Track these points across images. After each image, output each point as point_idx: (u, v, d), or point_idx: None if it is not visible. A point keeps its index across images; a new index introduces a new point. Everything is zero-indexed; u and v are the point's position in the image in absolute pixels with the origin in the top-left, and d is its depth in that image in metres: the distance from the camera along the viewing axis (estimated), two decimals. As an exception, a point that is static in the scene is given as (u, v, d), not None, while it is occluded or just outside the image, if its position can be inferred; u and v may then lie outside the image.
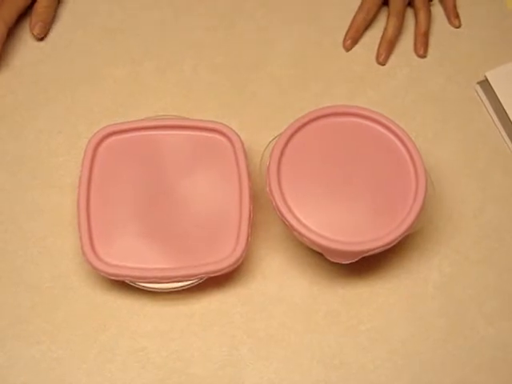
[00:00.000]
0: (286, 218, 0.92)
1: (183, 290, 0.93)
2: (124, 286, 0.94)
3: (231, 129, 0.98)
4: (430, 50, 1.11)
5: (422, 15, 1.11)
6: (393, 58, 1.11)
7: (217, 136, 0.99)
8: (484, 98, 1.07)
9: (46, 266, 0.96)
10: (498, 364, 0.93)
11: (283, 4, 1.02)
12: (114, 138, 0.98)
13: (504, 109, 1.04)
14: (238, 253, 0.92)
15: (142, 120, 0.99)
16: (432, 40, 1.12)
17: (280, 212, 0.92)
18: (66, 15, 1.12)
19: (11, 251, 0.97)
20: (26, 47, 1.10)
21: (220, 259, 0.92)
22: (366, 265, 0.95)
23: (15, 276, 0.96)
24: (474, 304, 0.96)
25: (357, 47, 1.11)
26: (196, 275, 0.92)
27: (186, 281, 0.92)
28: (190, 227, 0.94)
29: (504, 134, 1.05)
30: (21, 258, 0.97)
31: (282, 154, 0.95)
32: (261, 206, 0.98)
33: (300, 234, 0.91)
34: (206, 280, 0.93)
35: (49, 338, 0.93)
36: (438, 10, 1.14)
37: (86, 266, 0.94)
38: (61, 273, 0.96)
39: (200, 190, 0.96)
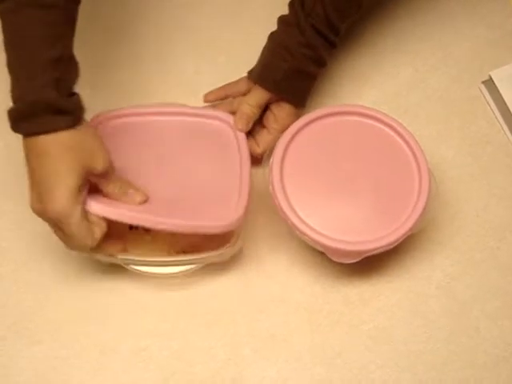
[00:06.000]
0: (288, 217, 0.92)
1: (185, 288, 0.94)
2: (127, 285, 0.95)
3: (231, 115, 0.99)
4: (435, 50, 1.11)
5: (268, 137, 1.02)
6: (397, 56, 1.10)
7: (218, 122, 0.99)
8: (488, 97, 1.07)
9: (48, 264, 0.97)
10: (500, 363, 0.93)
11: (286, 4, 1.02)
12: (115, 121, 0.98)
13: (508, 108, 1.04)
14: (236, 215, 0.91)
15: (146, 106, 1.00)
16: (437, 38, 1.12)
17: (282, 211, 0.92)
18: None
19: (14, 250, 0.98)
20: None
21: (219, 220, 0.91)
22: (369, 264, 0.95)
23: (17, 275, 0.97)
24: (477, 304, 0.95)
25: (361, 47, 1.11)
26: (191, 227, 0.90)
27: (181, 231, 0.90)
28: (190, 195, 0.94)
29: (508, 133, 1.05)
30: (23, 256, 0.97)
31: (284, 153, 0.95)
32: (263, 206, 0.98)
33: (302, 233, 0.91)
34: (208, 280, 0.93)
35: (51, 338, 0.93)
36: (443, 10, 1.14)
37: (89, 266, 0.95)
38: (64, 272, 0.96)
39: (201, 165, 0.96)
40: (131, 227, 0.96)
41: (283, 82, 0.98)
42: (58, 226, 0.85)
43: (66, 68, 0.85)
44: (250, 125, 0.99)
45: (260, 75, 0.99)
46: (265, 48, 1.01)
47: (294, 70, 0.98)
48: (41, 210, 0.84)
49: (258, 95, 0.99)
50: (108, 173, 0.87)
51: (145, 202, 0.90)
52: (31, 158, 0.84)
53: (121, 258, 0.92)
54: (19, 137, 0.84)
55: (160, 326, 0.94)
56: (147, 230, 0.96)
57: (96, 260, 0.94)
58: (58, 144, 0.83)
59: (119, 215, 0.87)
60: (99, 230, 0.86)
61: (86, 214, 0.85)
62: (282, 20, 1.00)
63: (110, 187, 0.88)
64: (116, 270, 0.96)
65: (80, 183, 0.83)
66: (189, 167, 0.96)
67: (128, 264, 0.93)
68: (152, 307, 0.95)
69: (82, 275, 0.96)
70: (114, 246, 0.91)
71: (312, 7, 0.96)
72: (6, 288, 0.96)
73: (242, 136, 0.98)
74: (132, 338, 0.94)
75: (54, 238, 0.97)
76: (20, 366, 0.92)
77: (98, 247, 0.88)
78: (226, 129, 0.99)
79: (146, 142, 0.97)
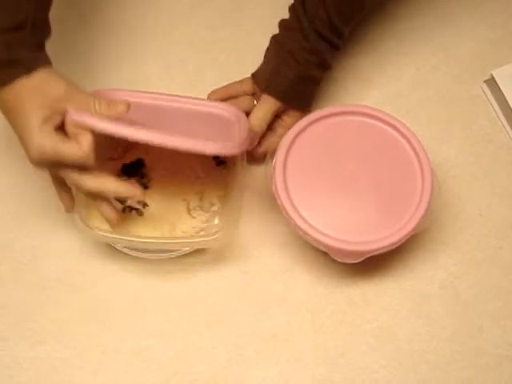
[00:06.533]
0: (291, 217, 0.91)
1: (186, 284, 0.94)
2: (129, 286, 0.95)
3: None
4: (437, 50, 1.11)
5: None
6: (399, 57, 1.10)
7: (220, 112, 0.99)
8: (490, 96, 1.07)
9: (49, 265, 0.96)
10: (503, 363, 0.93)
11: (287, 4, 1.02)
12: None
13: (510, 107, 1.04)
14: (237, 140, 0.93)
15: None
16: (438, 39, 1.12)
17: (285, 211, 0.92)
18: (67, 14, 1.12)
19: (15, 250, 0.97)
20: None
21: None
22: (372, 264, 0.95)
23: (20, 276, 0.96)
24: (480, 303, 0.95)
25: (363, 48, 1.10)
26: (190, 144, 0.89)
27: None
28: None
29: (510, 132, 1.05)
30: (25, 257, 0.97)
31: (287, 153, 0.95)
32: (266, 206, 0.98)
33: (305, 233, 0.91)
34: (210, 279, 0.94)
35: (53, 338, 0.93)
36: (444, 10, 1.14)
37: (91, 266, 0.95)
38: (66, 272, 0.96)
39: (203, 125, 0.97)
40: (124, 209, 0.97)
41: (291, 91, 0.98)
42: (54, 164, 0.86)
43: (31, 32, 0.86)
44: (257, 141, 0.99)
45: (269, 85, 0.98)
46: (269, 52, 1.00)
47: (299, 77, 0.97)
48: (30, 160, 0.86)
49: (268, 107, 0.98)
50: (73, 95, 0.87)
51: (129, 107, 0.89)
52: (5, 113, 0.87)
53: (113, 236, 0.93)
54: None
55: (162, 326, 0.94)
56: (141, 213, 0.97)
57: (90, 239, 0.95)
58: (15, 92, 0.85)
59: (106, 125, 0.87)
60: (85, 139, 0.86)
61: (64, 134, 0.86)
62: (283, 25, 1.00)
63: (90, 109, 0.88)
64: (118, 270, 0.96)
65: (45, 115, 0.85)
66: (189, 124, 0.96)
67: (118, 243, 0.94)
68: (154, 307, 0.95)
69: (83, 275, 0.96)
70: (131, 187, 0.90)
71: (315, 12, 0.96)
72: (8, 288, 0.95)
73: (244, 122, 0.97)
74: (133, 338, 0.93)
75: (55, 238, 0.97)
76: (22, 366, 0.91)
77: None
78: (227, 114, 0.99)
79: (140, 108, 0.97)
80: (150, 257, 0.95)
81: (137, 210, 0.97)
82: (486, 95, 1.07)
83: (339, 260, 0.92)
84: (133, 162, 1.00)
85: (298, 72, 0.97)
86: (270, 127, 1.00)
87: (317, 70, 0.99)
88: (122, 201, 0.97)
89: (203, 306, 0.95)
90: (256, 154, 0.99)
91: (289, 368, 0.92)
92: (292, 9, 0.99)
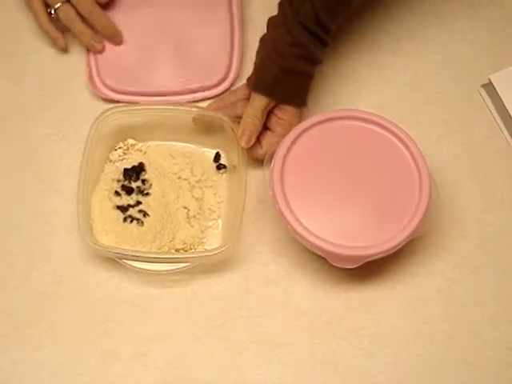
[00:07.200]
0: (288, 222, 0.92)
1: (185, 291, 0.95)
2: (128, 291, 0.95)
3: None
4: (434, 53, 1.11)
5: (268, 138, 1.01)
6: (396, 61, 1.10)
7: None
8: (488, 100, 1.07)
9: (49, 270, 0.97)
10: (501, 368, 0.92)
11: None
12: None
13: (508, 112, 1.04)
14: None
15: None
16: (436, 42, 1.12)
17: (283, 216, 0.92)
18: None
19: (14, 255, 0.98)
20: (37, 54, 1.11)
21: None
22: (370, 269, 0.95)
23: (18, 280, 0.96)
24: (478, 308, 0.95)
25: (360, 50, 1.10)
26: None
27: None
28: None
29: (508, 136, 1.05)
30: (24, 262, 0.97)
31: (285, 158, 0.95)
32: (264, 211, 0.99)
33: (302, 238, 0.91)
34: (209, 285, 0.94)
35: (52, 343, 0.93)
36: (442, 11, 1.14)
37: (90, 271, 0.96)
38: (64, 277, 0.96)
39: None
40: (125, 219, 0.97)
41: (277, 86, 0.98)
42: None
43: None
44: (254, 138, 0.98)
45: (254, 82, 1.00)
46: (257, 53, 1.01)
47: (285, 72, 0.98)
48: None
49: (256, 103, 0.98)
50: None
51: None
52: None
53: (115, 252, 0.93)
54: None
55: (161, 331, 0.94)
56: (141, 224, 0.97)
57: (93, 253, 0.95)
58: None
59: None
60: None
61: None
62: (271, 22, 1.00)
63: None
64: (117, 275, 0.96)
65: None
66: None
67: (121, 259, 0.94)
68: (152, 312, 0.95)
69: (82, 280, 0.96)
70: None
71: (301, 6, 0.96)
72: (7, 293, 0.95)
73: None
74: (132, 343, 0.93)
75: (54, 243, 0.97)
76: (22, 371, 0.91)
77: None
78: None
79: None
80: (153, 272, 0.95)
81: (138, 220, 0.97)
82: (484, 100, 1.07)
83: (337, 265, 0.92)
84: (134, 166, 1.01)
85: (283, 66, 0.97)
86: (269, 127, 1.01)
87: (304, 63, 0.99)
88: (123, 211, 0.97)
89: (202, 311, 0.95)
90: (257, 155, 1.00)
91: (287, 373, 0.92)
92: (280, 5, 0.99)
